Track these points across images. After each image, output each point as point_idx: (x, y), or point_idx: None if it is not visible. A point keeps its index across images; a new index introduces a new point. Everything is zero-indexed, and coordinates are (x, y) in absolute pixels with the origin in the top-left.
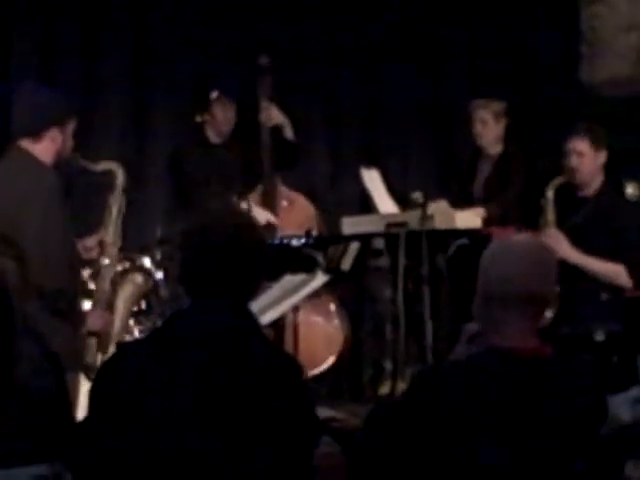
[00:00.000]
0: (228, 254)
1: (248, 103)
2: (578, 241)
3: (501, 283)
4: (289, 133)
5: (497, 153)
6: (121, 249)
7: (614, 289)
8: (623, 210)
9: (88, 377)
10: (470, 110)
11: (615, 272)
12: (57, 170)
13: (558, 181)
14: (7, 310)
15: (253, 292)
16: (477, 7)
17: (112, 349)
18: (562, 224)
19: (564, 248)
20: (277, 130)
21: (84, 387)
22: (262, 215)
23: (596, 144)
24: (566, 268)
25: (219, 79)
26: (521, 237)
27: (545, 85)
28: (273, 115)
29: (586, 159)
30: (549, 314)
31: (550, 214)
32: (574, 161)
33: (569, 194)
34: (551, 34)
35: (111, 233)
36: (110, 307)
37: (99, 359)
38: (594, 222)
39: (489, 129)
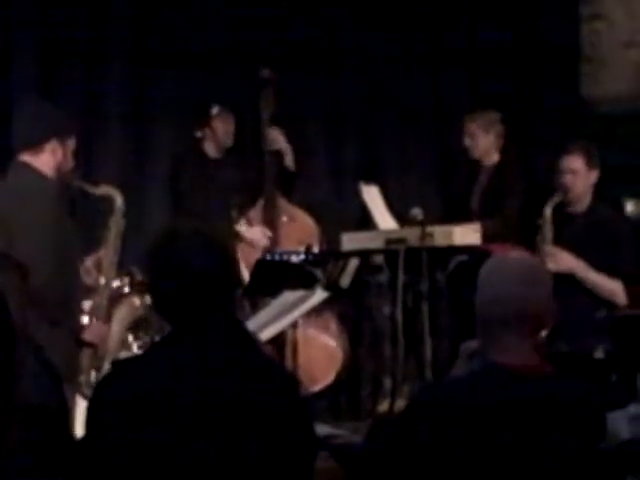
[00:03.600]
0: (194, 274)
1: (250, 116)
2: None
3: (496, 304)
4: (289, 162)
5: (493, 164)
6: (121, 266)
7: (611, 307)
8: (616, 225)
9: (82, 394)
10: (462, 123)
11: (614, 289)
12: (61, 188)
13: (555, 199)
14: (8, 326)
15: (232, 305)
16: (478, 22)
17: (107, 366)
18: (557, 242)
19: (569, 261)
20: (278, 156)
21: (80, 403)
22: (257, 233)
23: (590, 163)
24: (563, 285)
25: (220, 93)
26: (514, 256)
27: (545, 101)
28: (277, 139)
29: (580, 177)
30: (543, 332)
31: (548, 233)
32: (568, 179)
33: (561, 211)
34: (551, 50)
35: (110, 254)
36: (106, 323)
37: (93, 376)
38: (585, 238)
39: (478, 142)
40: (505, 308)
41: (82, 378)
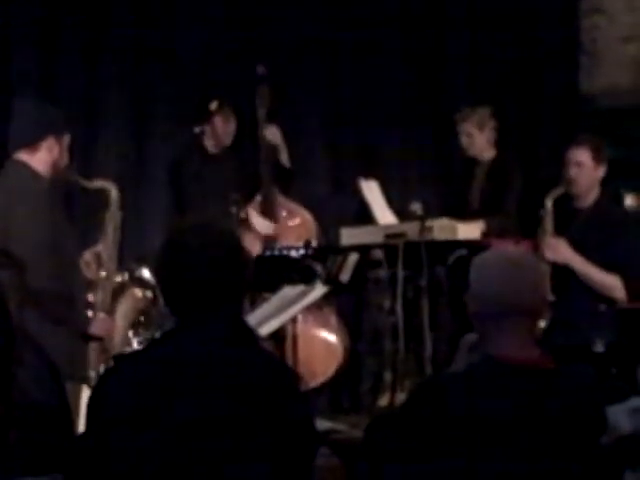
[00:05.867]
0: (204, 269)
1: (246, 113)
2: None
3: (488, 299)
4: (284, 158)
5: (490, 159)
6: (120, 260)
7: (611, 300)
8: (619, 222)
9: (90, 387)
10: (455, 122)
11: (612, 284)
12: (56, 185)
13: (557, 191)
14: (7, 323)
15: (240, 302)
16: (478, 16)
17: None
18: (560, 234)
19: (566, 253)
20: (274, 151)
21: (86, 397)
22: (262, 221)
23: (596, 157)
24: (564, 279)
25: (219, 89)
26: (506, 251)
27: (544, 95)
28: (275, 136)
29: (585, 170)
30: (542, 324)
31: (549, 224)
32: (573, 171)
33: (567, 205)
34: (551, 44)
35: (108, 248)
36: (111, 316)
37: (101, 369)
38: (588, 234)
39: (475, 139)
40: (499, 302)
41: (91, 372)
